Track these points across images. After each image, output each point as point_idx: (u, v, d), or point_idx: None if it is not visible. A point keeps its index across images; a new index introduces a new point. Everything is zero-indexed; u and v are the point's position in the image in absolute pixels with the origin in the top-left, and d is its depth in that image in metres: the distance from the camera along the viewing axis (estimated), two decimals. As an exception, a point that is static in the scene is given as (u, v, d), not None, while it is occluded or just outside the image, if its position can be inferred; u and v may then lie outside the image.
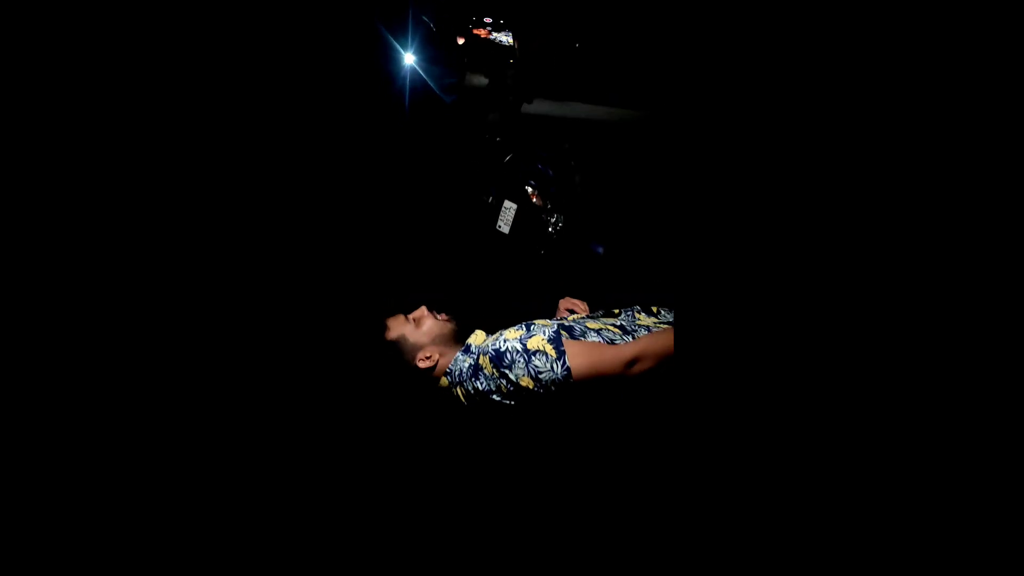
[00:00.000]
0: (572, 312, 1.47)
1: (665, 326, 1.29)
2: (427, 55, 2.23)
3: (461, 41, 2.05)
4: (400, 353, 1.22)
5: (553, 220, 2.18)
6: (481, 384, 1.16)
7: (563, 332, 1.19)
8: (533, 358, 1.12)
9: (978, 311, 0.64)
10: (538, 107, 2.16)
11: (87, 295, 0.89)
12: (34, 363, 0.84)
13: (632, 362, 1.12)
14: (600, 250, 2.11)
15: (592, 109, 2.11)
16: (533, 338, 1.15)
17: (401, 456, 1.39)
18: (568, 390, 1.14)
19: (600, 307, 1.55)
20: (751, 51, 0.80)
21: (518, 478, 1.36)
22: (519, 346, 1.13)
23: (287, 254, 1.50)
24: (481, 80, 2.07)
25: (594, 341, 1.19)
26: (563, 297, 1.60)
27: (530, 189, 2.20)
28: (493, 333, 1.25)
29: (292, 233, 1.51)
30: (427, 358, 1.22)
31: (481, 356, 1.17)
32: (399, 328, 1.23)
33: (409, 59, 2.22)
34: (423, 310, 1.26)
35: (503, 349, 1.14)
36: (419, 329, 1.24)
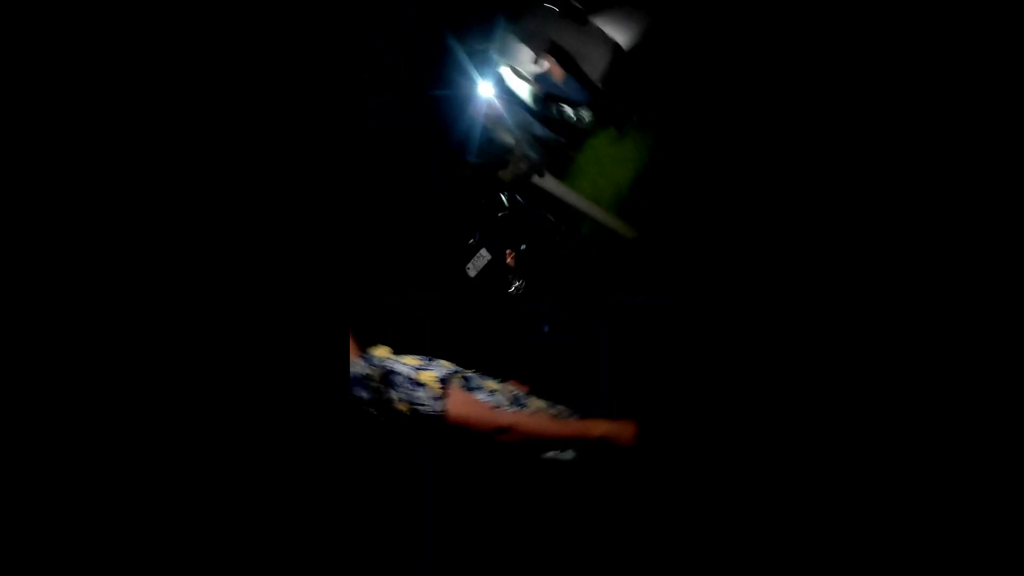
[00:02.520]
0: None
1: (553, 412, 1.36)
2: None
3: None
4: None
5: (518, 284, 2.28)
6: (363, 394, 1.22)
7: (458, 378, 1.26)
8: (417, 389, 1.18)
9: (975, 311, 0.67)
10: (547, 182, 2.32)
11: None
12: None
13: (502, 430, 1.18)
14: (546, 328, 2.21)
15: (591, 206, 2.26)
16: (427, 372, 1.21)
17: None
18: (437, 430, 1.19)
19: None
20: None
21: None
22: (411, 373, 1.20)
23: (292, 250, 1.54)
24: (508, 138, 2.23)
25: (481, 399, 1.26)
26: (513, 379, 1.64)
27: (509, 249, 2.32)
28: (402, 354, 1.31)
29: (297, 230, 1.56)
30: None
31: (373, 368, 1.23)
32: None
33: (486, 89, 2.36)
34: None
35: (394, 369, 1.20)
36: None
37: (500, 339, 2.16)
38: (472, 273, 2.30)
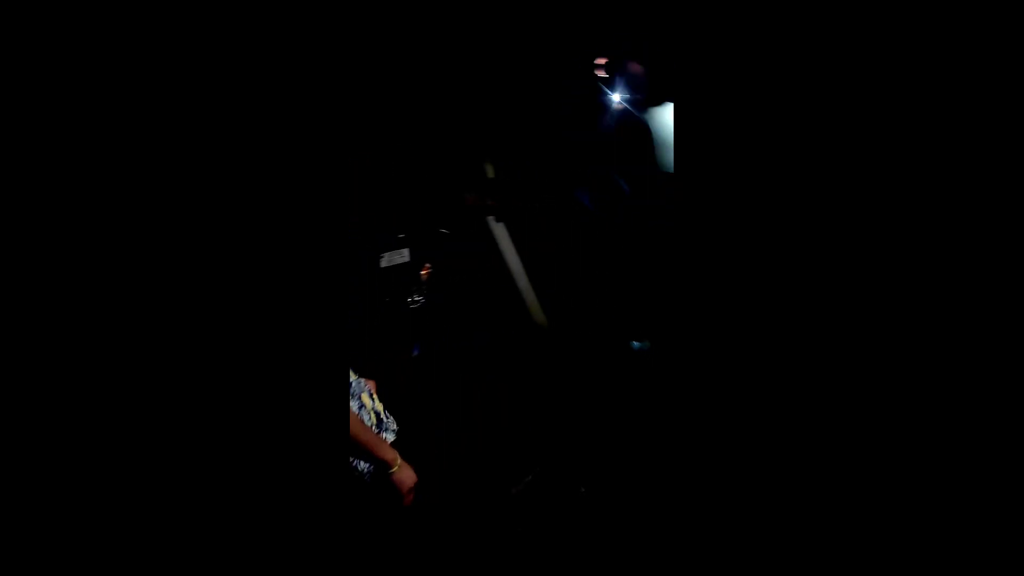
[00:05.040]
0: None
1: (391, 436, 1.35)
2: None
3: None
4: None
5: (417, 298, 2.24)
6: None
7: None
8: None
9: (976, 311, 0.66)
10: (498, 231, 2.36)
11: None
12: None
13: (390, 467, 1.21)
14: (416, 352, 2.16)
15: (525, 280, 2.32)
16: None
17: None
18: None
19: None
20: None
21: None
22: None
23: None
24: (489, 172, 2.27)
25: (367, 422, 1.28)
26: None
27: (429, 265, 2.28)
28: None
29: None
30: None
31: None
32: None
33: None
34: None
35: None
36: None
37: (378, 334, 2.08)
38: (383, 263, 2.23)
